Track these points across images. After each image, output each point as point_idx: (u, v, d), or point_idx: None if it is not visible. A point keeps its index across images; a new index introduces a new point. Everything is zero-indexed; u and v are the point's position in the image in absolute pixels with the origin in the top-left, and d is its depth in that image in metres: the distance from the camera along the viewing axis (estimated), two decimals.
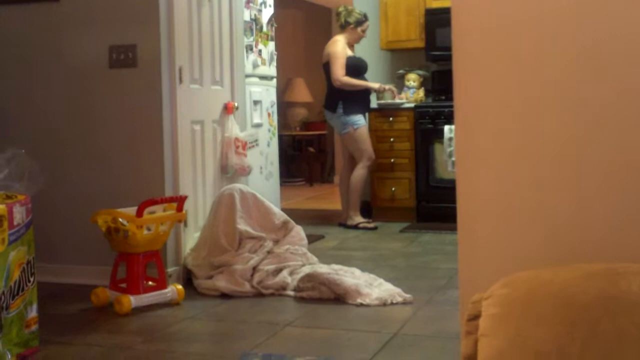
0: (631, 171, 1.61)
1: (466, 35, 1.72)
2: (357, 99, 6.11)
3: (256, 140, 5.25)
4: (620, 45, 1.61)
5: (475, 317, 1.41)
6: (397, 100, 6.46)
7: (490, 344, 1.35)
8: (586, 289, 1.34)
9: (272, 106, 5.69)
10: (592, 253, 1.61)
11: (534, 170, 1.68)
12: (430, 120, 6.25)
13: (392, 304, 3.74)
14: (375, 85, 6.26)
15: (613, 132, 1.62)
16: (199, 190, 4.48)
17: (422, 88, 6.68)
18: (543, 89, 1.66)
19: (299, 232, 4.48)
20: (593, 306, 1.30)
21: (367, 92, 6.22)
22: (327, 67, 6.14)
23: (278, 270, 4.14)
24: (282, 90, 9.38)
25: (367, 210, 6.40)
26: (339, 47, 6.07)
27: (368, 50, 6.57)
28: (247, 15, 5.25)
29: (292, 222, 4.51)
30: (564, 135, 1.65)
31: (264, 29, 5.56)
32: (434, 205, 6.20)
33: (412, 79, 6.67)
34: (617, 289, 1.33)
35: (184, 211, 3.92)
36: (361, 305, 3.72)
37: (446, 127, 5.96)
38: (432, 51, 6.44)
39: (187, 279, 4.23)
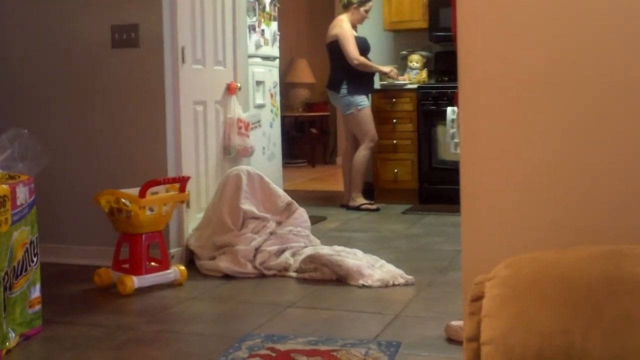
0: (637, 154, 1.60)
1: (472, 15, 1.70)
2: (361, 80, 6.08)
3: (259, 121, 5.23)
4: (630, 22, 1.59)
5: (479, 298, 1.41)
6: (400, 82, 6.43)
7: (493, 325, 1.35)
8: (590, 271, 1.34)
9: (274, 87, 5.68)
10: (596, 235, 1.61)
11: (539, 152, 1.68)
12: (433, 101, 6.23)
13: (394, 285, 3.75)
14: (387, 68, 6.24)
15: (620, 114, 1.61)
16: (202, 171, 4.48)
17: (425, 69, 6.65)
18: (549, 70, 1.65)
19: (302, 214, 4.48)
20: (597, 288, 1.30)
21: (371, 73, 6.19)
22: (331, 47, 6.10)
23: (280, 252, 4.15)
24: (285, 71, 9.34)
25: (369, 192, 6.40)
26: (347, 27, 6.03)
27: (371, 31, 6.53)
28: None
29: (296, 204, 4.51)
30: (570, 117, 1.64)
31: (267, 8, 5.52)
32: (437, 187, 6.20)
33: (415, 60, 6.64)
34: (621, 271, 1.32)
35: (186, 192, 3.92)
36: (363, 286, 3.73)
37: (449, 109, 5.91)
38: (436, 32, 6.40)
39: (190, 259, 4.24)
